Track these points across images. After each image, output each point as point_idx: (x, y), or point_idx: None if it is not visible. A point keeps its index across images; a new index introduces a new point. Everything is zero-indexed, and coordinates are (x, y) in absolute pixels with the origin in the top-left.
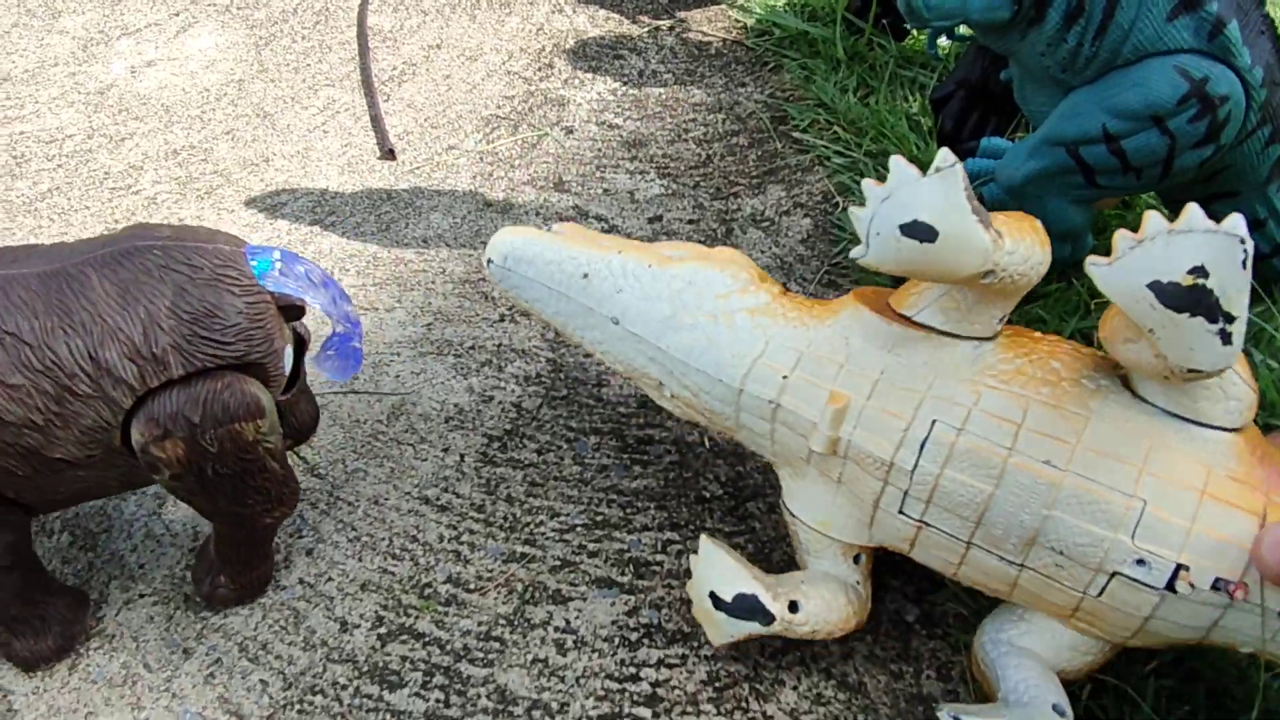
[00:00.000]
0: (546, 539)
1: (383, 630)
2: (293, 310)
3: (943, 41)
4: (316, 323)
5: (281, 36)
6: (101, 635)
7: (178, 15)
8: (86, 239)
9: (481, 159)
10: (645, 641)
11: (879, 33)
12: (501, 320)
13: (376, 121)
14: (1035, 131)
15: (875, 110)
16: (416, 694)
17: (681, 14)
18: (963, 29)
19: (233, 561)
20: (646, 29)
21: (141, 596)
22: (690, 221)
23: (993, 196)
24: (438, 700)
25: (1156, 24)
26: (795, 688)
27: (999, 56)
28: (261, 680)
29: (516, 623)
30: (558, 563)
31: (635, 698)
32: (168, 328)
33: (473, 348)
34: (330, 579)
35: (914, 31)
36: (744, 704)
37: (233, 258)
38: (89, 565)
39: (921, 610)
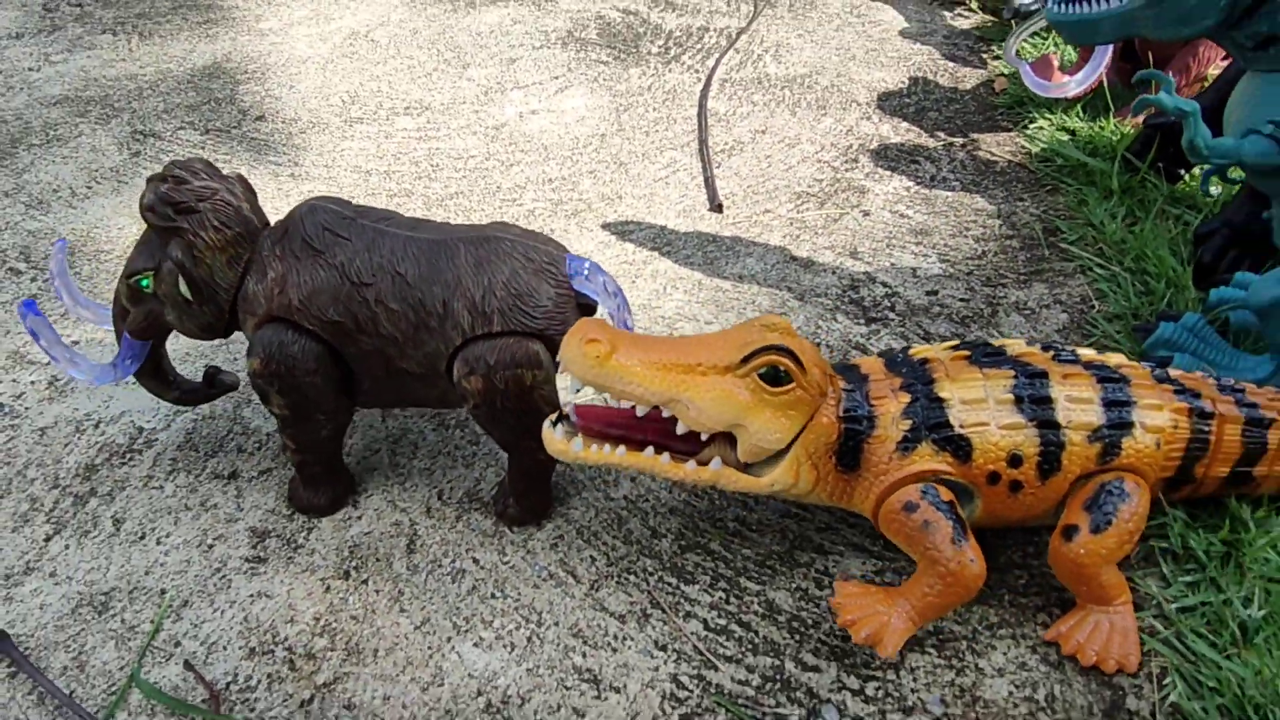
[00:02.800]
0: (816, 508)
1: (683, 542)
2: (587, 308)
3: (1213, 189)
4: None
5: (637, 106)
6: (479, 497)
7: (557, 79)
8: (464, 224)
9: (791, 224)
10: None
11: (1153, 173)
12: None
13: (709, 181)
14: None
15: (1139, 236)
16: (705, 590)
17: (974, 135)
18: (1234, 173)
19: (517, 488)
20: (941, 143)
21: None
22: (962, 300)
23: (1238, 322)
24: (720, 598)
25: None
26: (1004, 653)
27: (1261, 203)
28: (591, 556)
29: (785, 559)
30: (824, 525)
31: None
32: (499, 296)
33: None
34: (647, 500)
35: (1186, 175)
36: (961, 655)
37: (556, 259)
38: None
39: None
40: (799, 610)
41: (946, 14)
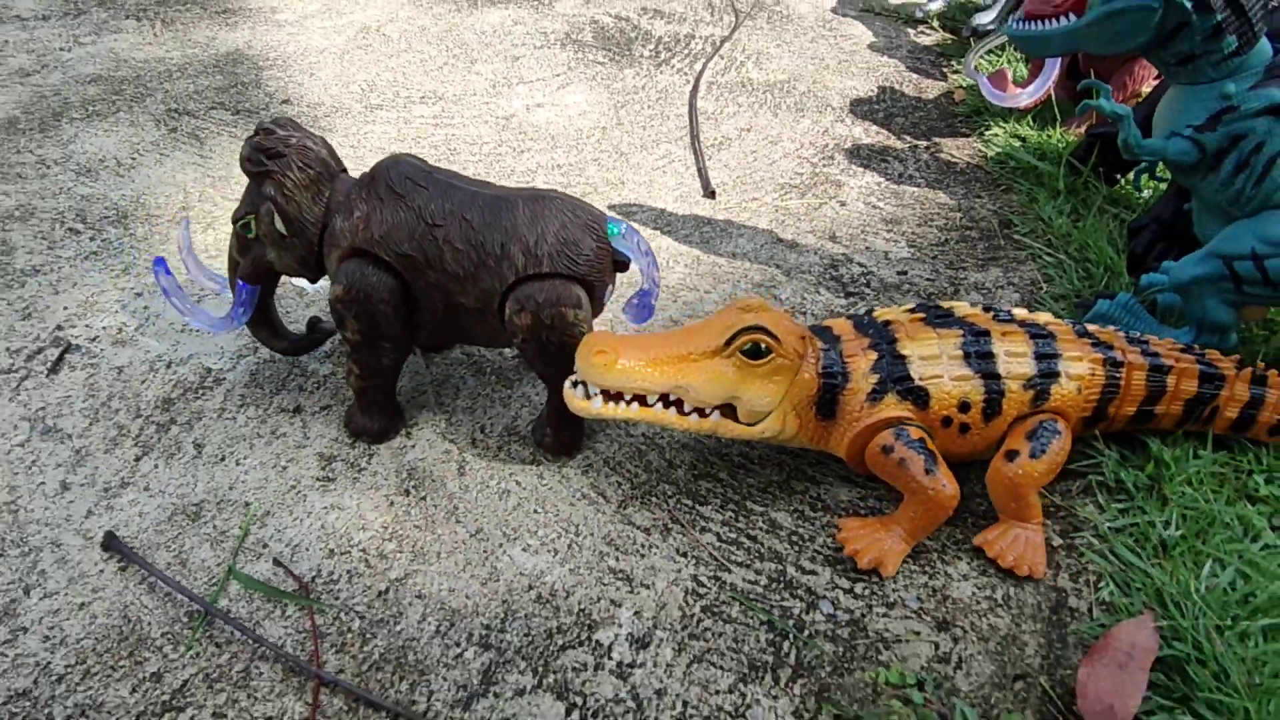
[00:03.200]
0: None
1: (695, 472)
2: (620, 264)
3: (1145, 189)
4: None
5: (633, 104)
6: (517, 433)
7: (558, 76)
8: (524, 188)
9: (776, 211)
10: (872, 515)
11: (1094, 176)
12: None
13: (701, 171)
14: (1203, 247)
15: (1082, 230)
16: (716, 510)
17: (936, 139)
18: (1162, 173)
19: (555, 420)
20: (908, 145)
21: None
22: (928, 280)
23: (1165, 302)
24: (729, 516)
25: None
26: (968, 564)
27: (1184, 199)
28: (617, 481)
29: (784, 487)
30: (815, 461)
31: None
32: (549, 242)
33: None
34: (662, 437)
35: (1122, 179)
36: (933, 564)
37: (599, 218)
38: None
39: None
40: (796, 527)
41: (910, 31)
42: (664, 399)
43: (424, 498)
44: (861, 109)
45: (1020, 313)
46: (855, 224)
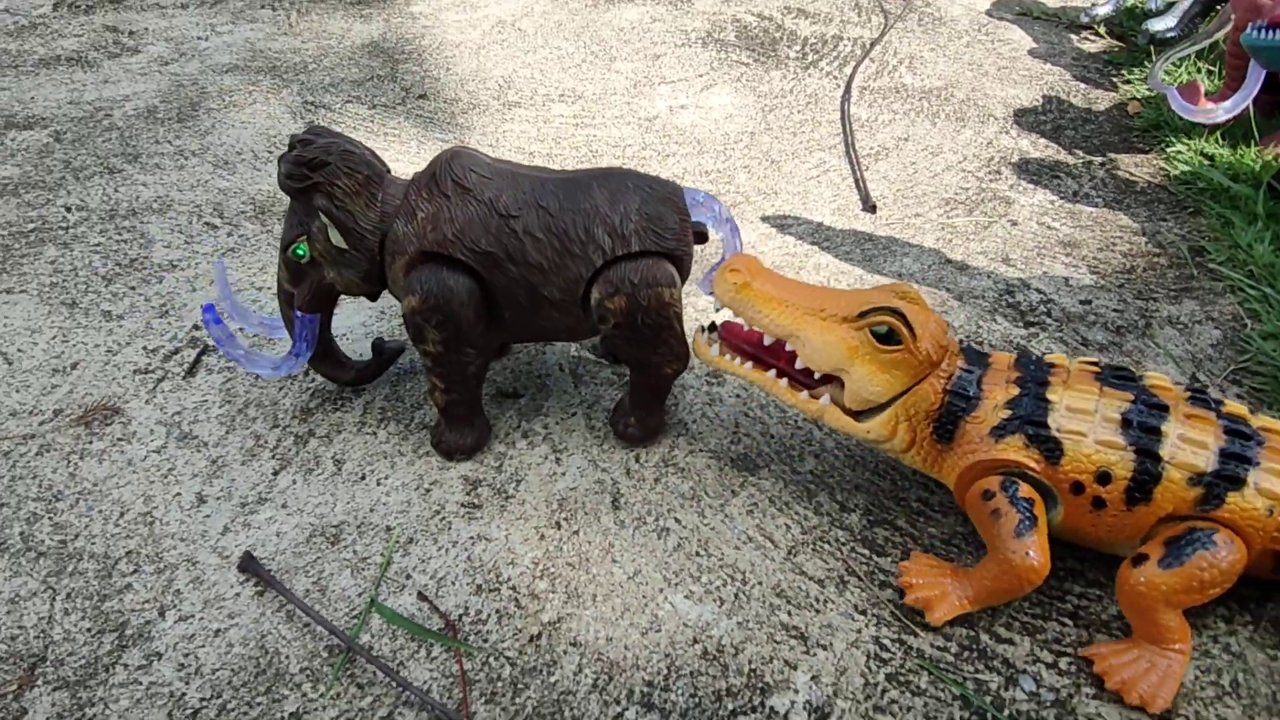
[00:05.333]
0: None
1: (870, 518)
2: (701, 235)
3: None
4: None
5: (781, 107)
6: (674, 463)
7: (701, 76)
8: (588, 168)
9: (942, 228)
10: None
11: None
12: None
13: (859, 182)
14: None
15: None
16: (895, 563)
17: (1111, 154)
18: None
19: (641, 407)
20: (1080, 160)
21: (699, 450)
22: (1116, 310)
23: None
24: None
25: None
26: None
27: None
28: (784, 523)
29: (971, 539)
30: None
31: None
32: (634, 220)
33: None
34: (832, 475)
35: None
36: None
37: (676, 190)
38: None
39: None
40: None
41: (1073, 37)
42: (779, 370)
43: (576, 532)
44: (1027, 120)
45: (1236, 408)
46: (1030, 245)
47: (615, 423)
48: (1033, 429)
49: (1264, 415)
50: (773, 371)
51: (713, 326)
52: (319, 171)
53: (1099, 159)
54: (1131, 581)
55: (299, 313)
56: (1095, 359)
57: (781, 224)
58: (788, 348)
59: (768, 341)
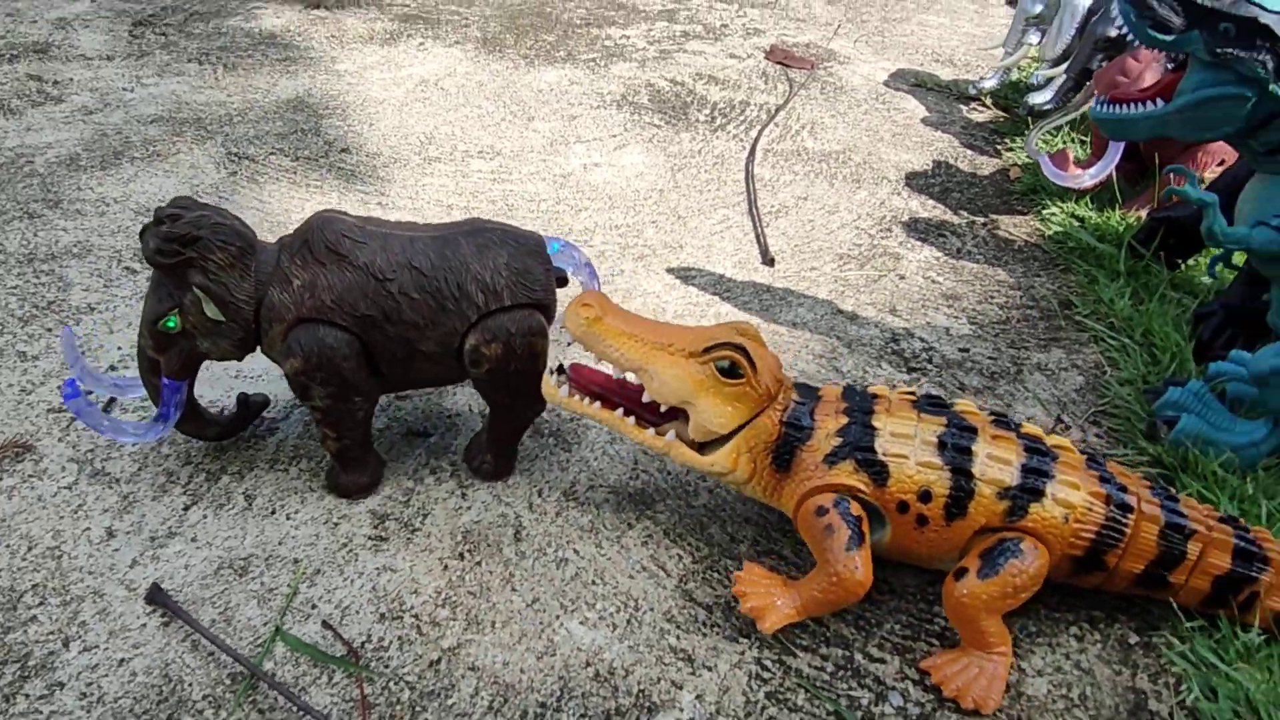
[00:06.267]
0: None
1: (759, 548)
2: (561, 281)
3: (1216, 272)
4: None
5: (690, 167)
6: (575, 497)
7: (615, 136)
8: (453, 221)
9: (836, 281)
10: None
11: (1156, 260)
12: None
13: (760, 237)
14: None
15: (1145, 313)
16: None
17: (993, 215)
18: (1238, 259)
19: (498, 445)
20: (965, 220)
21: (599, 485)
22: (990, 358)
23: (1234, 392)
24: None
25: None
26: (1043, 658)
27: (1257, 287)
28: (677, 554)
29: None
30: None
31: None
32: (505, 274)
33: None
34: (724, 509)
35: (1183, 264)
36: None
37: (540, 242)
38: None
39: None
40: (864, 611)
41: (963, 107)
42: (625, 408)
43: (479, 563)
44: (917, 182)
45: (1033, 429)
46: (915, 297)
47: (470, 459)
48: (861, 454)
49: (1061, 439)
50: (619, 410)
51: (561, 369)
52: (191, 247)
53: (981, 219)
54: (955, 594)
55: (166, 380)
56: (912, 389)
57: (686, 275)
58: (635, 380)
59: (615, 374)
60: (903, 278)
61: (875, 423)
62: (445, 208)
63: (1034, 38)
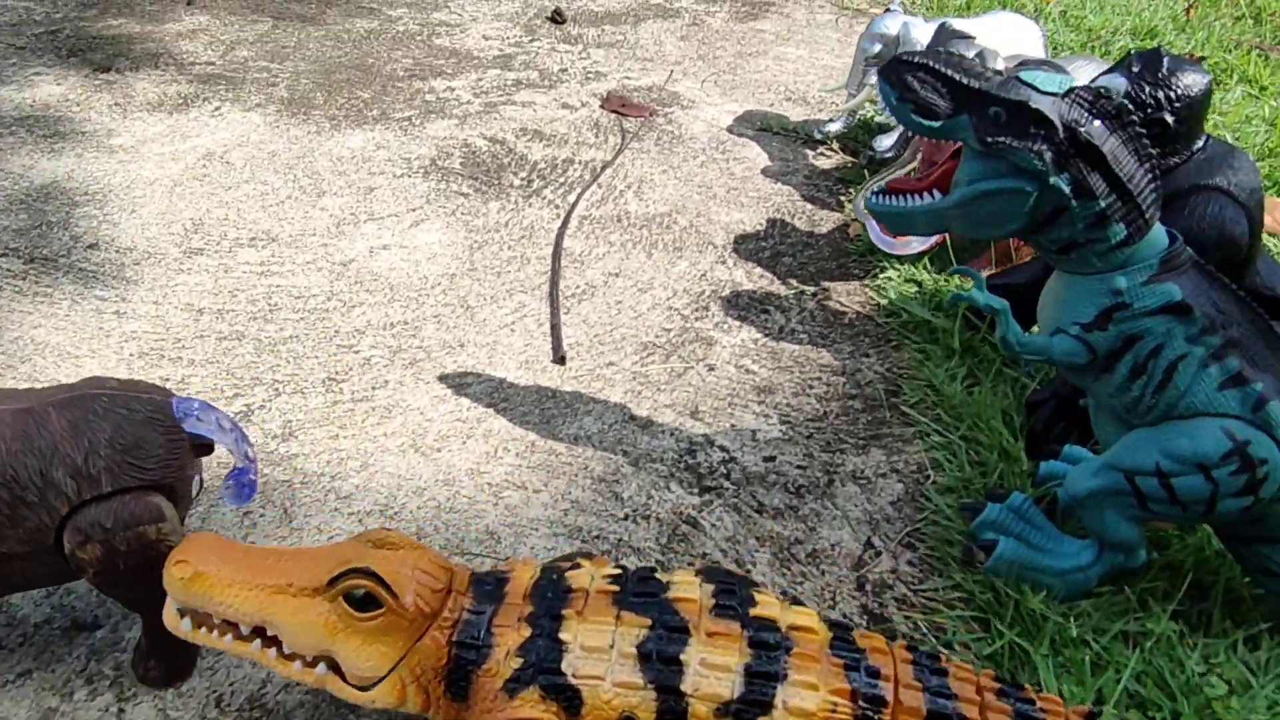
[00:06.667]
0: None
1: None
2: (203, 448)
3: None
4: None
5: (492, 243)
6: (263, 704)
7: (414, 210)
8: (52, 386)
9: (634, 379)
10: None
11: (990, 333)
12: (626, 519)
13: (555, 330)
14: (1101, 455)
15: (976, 400)
16: None
17: (825, 283)
18: None
19: (158, 648)
20: (793, 290)
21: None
22: (799, 468)
23: (1062, 499)
24: None
25: (1208, 391)
26: None
27: None
28: None
29: None
30: None
31: None
32: (104, 455)
33: (597, 537)
34: None
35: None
36: None
37: (161, 406)
38: None
39: None
40: None
41: (809, 153)
42: (262, 633)
43: None
44: (746, 247)
45: (769, 601)
46: (723, 394)
47: (135, 667)
48: (546, 678)
49: (799, 612)
50: (258, 642)
51: (181, 611)
52: None
53: (812, 288)
54: None
55: None
56: (619, 570)
57: (460, 383)
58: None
59: (245, 631)
60: (712, 368)
61: (564, 634)
62: (195, 312)
63: (874, 78)
